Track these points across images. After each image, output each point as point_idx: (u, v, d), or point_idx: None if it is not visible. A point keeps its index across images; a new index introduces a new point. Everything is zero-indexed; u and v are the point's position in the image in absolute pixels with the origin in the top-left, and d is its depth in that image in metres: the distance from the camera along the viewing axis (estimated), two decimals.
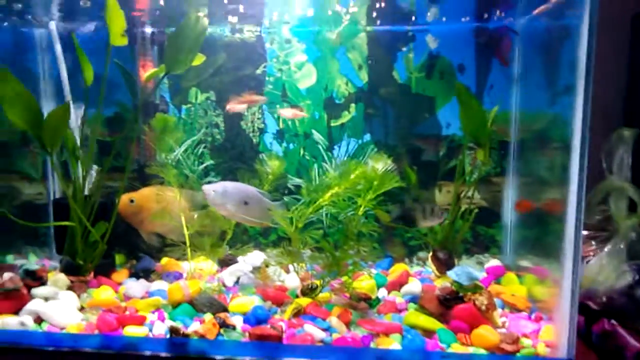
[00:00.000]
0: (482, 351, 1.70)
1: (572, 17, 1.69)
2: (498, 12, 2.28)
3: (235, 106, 2.29)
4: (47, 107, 2.46)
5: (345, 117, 2.56)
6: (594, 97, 2.87)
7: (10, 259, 2.49)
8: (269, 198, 2.10)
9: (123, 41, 1.94)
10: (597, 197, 2.30)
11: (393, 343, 1.74)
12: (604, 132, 2.26)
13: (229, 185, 2.08)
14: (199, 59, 2.15)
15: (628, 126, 2.49)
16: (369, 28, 2.47)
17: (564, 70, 1.82)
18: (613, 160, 2.27)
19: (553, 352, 1.69)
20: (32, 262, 2.51)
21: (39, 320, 1.91)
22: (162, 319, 1.92)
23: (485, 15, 2.32)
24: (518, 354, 1.67)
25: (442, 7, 2.25)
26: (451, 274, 1.94)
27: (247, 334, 1.80)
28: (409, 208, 2.22)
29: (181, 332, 1.79)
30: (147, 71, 2.40)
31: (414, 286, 2.16)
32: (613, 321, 1.86)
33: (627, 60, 2.82)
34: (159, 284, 2.23)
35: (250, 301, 2.03)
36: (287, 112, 2.43)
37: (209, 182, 2.21)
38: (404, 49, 2.50)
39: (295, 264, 2.13)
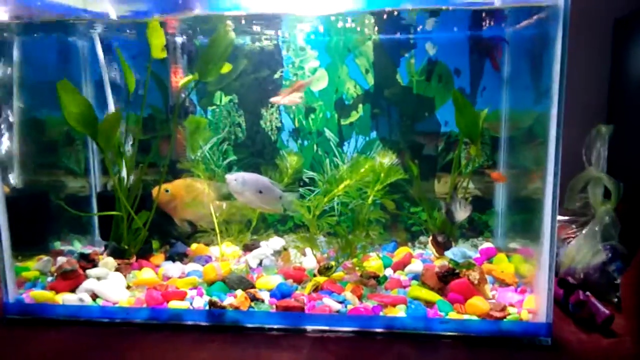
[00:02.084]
0: (475, 318, 2.01)
1: (551, 29, 1.95)
2: (490, 23, 2.55)
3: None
4: None
5: (354, 116, 2.86)
6: (580, 96, 3.15)
7: (57, 245, 2.79)
8: (279, 188, 2.39)
9: (163, 55, 2.23)
10: (577, 185, 2.57)
11: (399, 312, 2.05)
12: (588, 128, 2.53)
13: (247, 175, 2.37)
14: (226, 68, 2.44)
15: (610, 122, 2.76)
16: (375, 37, 2.76)
17: (544, 74, 2.09)
18: (592, 153, 2.54)
19: (534, 317, 1.97)
20: (77, 247, 2.82)
21: (94, 296, 2.22)
22: (201, 295, 2.23)
23: (479, 26, 2.60)
24: (504, 320, 1.98)
25: (440, 18, 2.52)
26: (448, 253, 2.24)
27: (274, 306, 2.11)
28: (448, 204, 2.52)
29: (218, 304, 2.10)
30: (178, 77, 2.69)
31: (416, 266, 2.46)
32: (587, 292, 2.15)
33: (610, 62, 3.08)
34: (192, 266, 2.53)
35: (274, 279, 2.34)
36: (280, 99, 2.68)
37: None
38: (406, 55, 2.79)
39: (312, 248, 2.42)
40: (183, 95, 2.66)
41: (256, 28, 2.60)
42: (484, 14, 2.41)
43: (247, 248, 2.72)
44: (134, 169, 2.47)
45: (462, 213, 2.44)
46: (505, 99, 2.67)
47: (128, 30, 2.63)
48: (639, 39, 2.78)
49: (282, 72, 2.85)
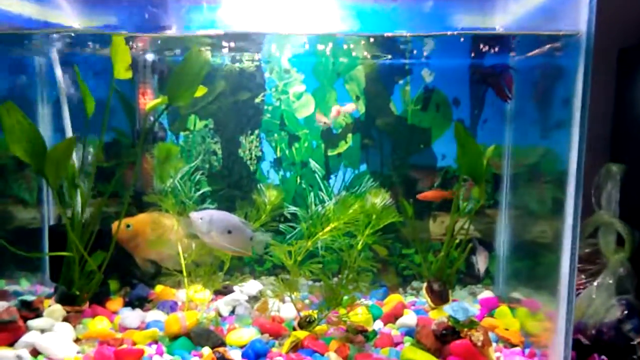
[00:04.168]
0: None
1: (567, 59, 1.76)
2: (494, 50, 2.34)
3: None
4: (45, 133, 2.45)
5: (342, 146, 2.60)
6: None
7: (1, 284, 2.45)
8: (251, 228, 2.13)
9: (127, 75, 1.96)
10: (586, 230, 2.36)
11: None
12: (590, 166, 2.32)
13: (215, 213, 2.11)
14: (201, 91, 2.17)
15: (614, 160, 2.57)
16: (367, 61, 2.52)
17: (558, 107, 1.89)
18: (602, 195, 2.34)
19: None
20: (24, 287, 2.48)
21: (35, 352, 1.89)
22: (161, 353, 1.92)
23: (482, 54, 2.39)
24: None
25: (439, 43, 2.30)
26: (448, 309, 1.97)
27: None
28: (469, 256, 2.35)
29: None
30: (147, 98, 2.41)
31: (409, 319, 2.19)
32: (604, 357, 1.91)
33: (613, 94, 2.89)
34: (154, 314, 2.22)
35: (247, 334, 2.04)
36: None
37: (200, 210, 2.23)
38: (401, 81, 2.56)
39: (292, 295, 2.14)
40: (152, 119, 2.37)
41: (235, 46, 2.34)
42: (489, 41, 2.20)
43: (220, 292, 2.42)
44: (90, 201, 2.17)
45: (483, 262, 2.24)
46: (509, 133, 2.44)
47: (92, 45, 2.36)
48: None
49: (263, 95, 2.58)
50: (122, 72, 1.93)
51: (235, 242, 2.05)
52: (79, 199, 2.17)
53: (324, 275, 2.04)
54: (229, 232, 2.05)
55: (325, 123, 2.47)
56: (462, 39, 2.17)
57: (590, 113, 3.01)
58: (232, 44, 2.35)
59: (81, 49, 2.41)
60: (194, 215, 2.05)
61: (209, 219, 2.03)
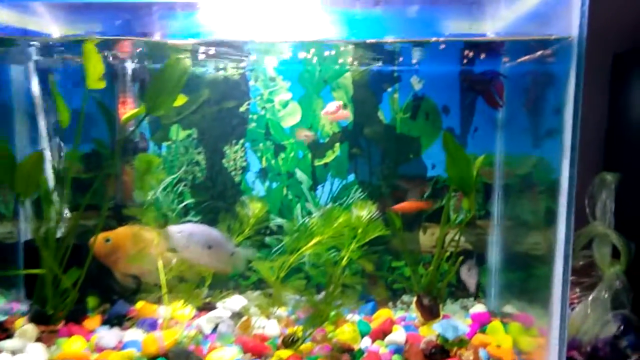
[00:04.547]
0: None
1: (559, 65, 1.70)
2: (484, 57, 2.28)
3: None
4: (21, 145, 2.38)
5: (330, 156, 2.53)
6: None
7: None
8: (232, 243, 2.05)
9: (100, 85, 1.88)
10: (580, 242, 2.29)
11: None
12: (584, 175, 2.25)
13: (195, 227, 2.03)
14: (180, 100, 2.10)
15: (608, 168, 2.50)
16: (354, 68, 2.45)
17: (550, 115, 1.83)
18: (596, 205, 2.27)
19: None
20: (0, 304, 2.39)
21: None
22: None
23: (472, 60, 2.32)
24: None
25: (429, 50, 2.23)
26: (437, 327, 1.89)
27: None
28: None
29: None
30: (127, 107, 2.34)
31: (398, 335, 2.10)
32: None
33: (607, 100, 2.84)
34: (133, 333, 2.13)
35: (229, 353, 1.95)
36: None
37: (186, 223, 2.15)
38: (389, 89, 2.49)
39: (275, 313, 2.06)
40: (131, 129, 2.29)
41: (218, 54, 2.27)
42: (479, 47, 2.13)
43: (202, 308, 2.34)
44: (66, 215, 2.09)
45: (472, 279, 2.17)
46: (501, 142, 2.38)
47: (71, 53, 2.29)
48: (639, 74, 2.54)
49: (248, 104, 2.51)
50: (94, 81, 1.86)
51: (216, 257, 1.98)
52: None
53: (308, 291, 1.96)
54: (210, 247, 1.98)
55: (306, 137, 2.39)
56: (450, 46, 2.11)
57: (584, 120, 2.95)
58: (216, 52, 2.28)
59: (59, 57, 2.34)
60: (173, 229, 1.98)
61: (188, 233, 1.96)
